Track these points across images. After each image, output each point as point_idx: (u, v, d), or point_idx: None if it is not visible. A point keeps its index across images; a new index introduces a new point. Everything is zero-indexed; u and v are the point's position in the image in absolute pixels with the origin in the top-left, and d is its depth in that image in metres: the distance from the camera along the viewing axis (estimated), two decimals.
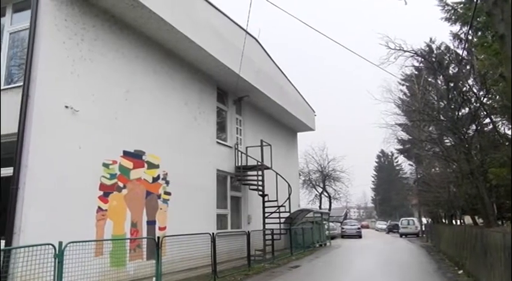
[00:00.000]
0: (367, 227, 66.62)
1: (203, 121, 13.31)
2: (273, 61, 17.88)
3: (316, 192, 46.75)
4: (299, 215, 20.09)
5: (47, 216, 7.51)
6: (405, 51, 13.86)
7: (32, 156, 7.38)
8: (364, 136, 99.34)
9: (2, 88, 8.35)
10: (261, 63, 16.23)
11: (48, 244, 6.40)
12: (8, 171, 7.57)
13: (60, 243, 6.46)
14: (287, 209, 15.48)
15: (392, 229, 46.24)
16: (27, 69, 7.73)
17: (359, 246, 25.54)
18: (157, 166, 10.73)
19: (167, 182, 11.07)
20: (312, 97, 25.35)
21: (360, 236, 35.79)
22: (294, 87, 20.58)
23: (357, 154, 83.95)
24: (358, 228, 37.73)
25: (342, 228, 37.82)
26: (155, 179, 10.65)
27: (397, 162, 78.62)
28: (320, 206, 44.80)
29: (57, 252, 6.40)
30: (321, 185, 45.94)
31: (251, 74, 14.85)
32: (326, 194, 46.27)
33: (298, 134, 24.03)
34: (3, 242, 7.06)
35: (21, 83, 7.80)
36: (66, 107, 8.22)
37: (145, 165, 10.33)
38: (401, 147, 33.63)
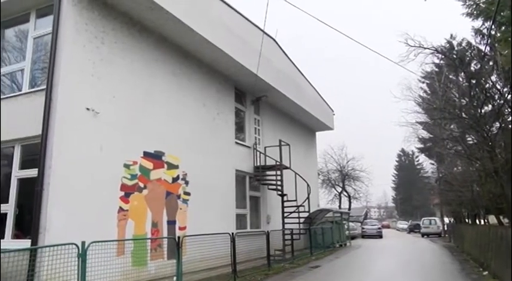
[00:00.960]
0: (387, 227, 65.77)
1: (222, 122, 13.37)
2: (290, 60, 17.83)
3: (336, 192, 46.48)
4: (318, 215, 19.98)
5: (71, 216, 7.67)
6: (425, 48, 13.65)
7: (55, 157, 7.55)
8: (383, 135, 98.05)
9: (25, 91, 8.59)
10: (278, 63, 16.21)
11: (72, 244, 6.54)
12: (32, 172, 7.77)
13: (83, 243, 6.59)
14: (306, 209, 15.42)
15: (413, 229, 45.54)
16: (50, 73, 7.91)
17: (380, 246, 25.24)
18: (176, 167, 10.83)
19: (187, 183, 11.16)
20: (331, 96, 25.20)
21: (380, 236, 35.37)
22: (312, 86, 20.48)
23: (376, 153, 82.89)
24: (379, 228, 37.28)
25: (362, 228, 37.43)
26: (175, 180, 10.75)
27: (418, 161, 77.54)
28: (340, 206, 44.49)
29: (80, 251, 6.52)
30: (340, 185, 45.64)
31: (269, 74, 14.84)
32: (345, 194, 45.95)
33: (317, 133, 23.90)
34: (29, 241, 7.25)
35: (44, 87, 7.99)
36: (88, 109, 8.37)
37: (165, 165, 10.44)
38: (422, 146, 33.09)
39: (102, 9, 9.04)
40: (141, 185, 9.58)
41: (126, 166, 9.20)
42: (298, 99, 17.79)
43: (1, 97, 8.79)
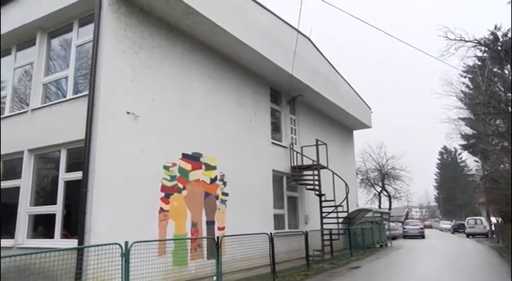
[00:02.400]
0: (430, 227, 63.75)
1: (258, 122, 13.42)
2: (325, 59, 17.65)
3: (375, 191, 45.54)
4: (358, 215, 19.65)
5: (114, 217, 7.93)
6: (467, 41, 13.14)
7: (98, 160, 7.83)
8: (424, 132, 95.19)
9: (69, 98, 8.96)
10: (313, 62, 16.08)
11: (115, 244, 6.75)
12: (77, 175, 8.10)
13: (126, 243, 6.79)
14: (345, 209, 15.21)
15: (457, 229, 43.89)
16: (91, 79, 8.22)
17: (422, 247, 24.50)
18: (214, 168, 10.97)
19: (224, 183, 11.28)
20: (368, 94, 24.73)
21: (422, 237, 34.34)
22: (349, 84, 20.18)
23: (417, 151, 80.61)
24: (421, 228, 36.17)
25: (404, 228, 36.46)
26: (213, 181, 10.90)
27: (461, 158, 74.82)
28: (379, 206, 43.58)
29: (123, 251, 6.73)
30: (380, 184, 44.67)
31: (304, 73, 14.76)
32: (385, 193, 44.93)
33: (354, 132, 23.52)
34: (76, 241, 7.56)
35: (87, 92, 8.31)
36: (128, 113, 8.63)
37: (203, 167, 10.60)
38: (465, 142, 31.93)
39: (140, 15, 9.30)
40: (181, 186, 9.77)
41: (166, 168, 9.42)
42: (334, 97, 17.58)
43: (39, 106, 9.33)
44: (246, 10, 11.89)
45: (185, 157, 10.05)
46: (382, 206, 44.12)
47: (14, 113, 10.11)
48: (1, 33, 10.29)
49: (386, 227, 26.26)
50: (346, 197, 15.07)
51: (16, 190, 9.25)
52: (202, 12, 9.72)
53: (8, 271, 6.89)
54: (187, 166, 10.08)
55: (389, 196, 44.83)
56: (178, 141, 9.91)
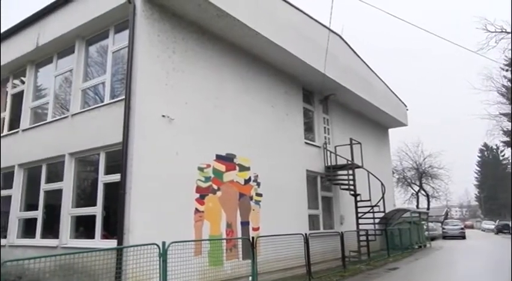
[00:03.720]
0: (471, 227, 61.41)
1: (290, 122, 13.38)
2: (358, 56, 17.38)
3: (413, 190, 44.42)
4: (395, 215, 19.22)
5: (151, 218, 8.12)
6: (508, 32, 12.57)
7: (135, 163, 8.04)
8: (463, 129, 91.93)
9: (107, 102, 9.25)
10: (346, 60, 15.87)
11: (153, 244, 6.90)
12: (116, 177, 8.35)
13: (164, 243, 6.92)
14: (381, 209, 14.90)
15: (502, 230, 42.00)
16: (127, 84, 8.45)
17: (463, 248, 23.64)
18: (248, 168, 11.03)
19: (258, 184, 11.31)
20: (403, 91, 24.10)
21: (463, 237, 33.12)
22: (383, 81, 19.77)
23: (456, 148, 77.90)
24: (462, 228, 34.89)
25: (443, 228, 35.30)
26: (247, 181, 10.95)
27: (503, 156, 71.76)
28: (417, 206, 42.47)
29: (161, 251, 6.86)
30: (417, 183, 43.49)
31: (336, 72, 14.59)
32: (423, 193, 43.71)
33: (390, 130, 23.03)
34: (115, 241, 7.79)
35: (123, 97, 8.55)
36: (163, 116, 8.82)
37: (237, 168, 10.67)
38: (507, 139, 30.53)
39: (172, 20, 9.48)
40: (215, 187, 9.88)
41: (200, 169, 9.55)
42: (368, 95, 17.28)
43: (79, 111, 9.74)
44: (276, 10, 11.89)
45: (219, 158, 10.15)
46: (420, 206, 42.97)
47: (55, 118, 10.54)
48: (40, 44, 10.83)
49: (425, 227, 25.51)
50: (383, 197, 14.77)
51: (59, 192, 9.64)
52: (233, 15, 9.81)
53: (54, 269, 7.18)
54: (221, 167, 10.18)
55: (427, 196, 43.59)
56: (212, 142, 10.04)
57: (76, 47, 10.37)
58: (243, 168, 10.87)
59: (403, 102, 22.26)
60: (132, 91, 8.41)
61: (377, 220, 15.30)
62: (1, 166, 11.69)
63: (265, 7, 11.31)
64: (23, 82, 12.25)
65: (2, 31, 12.30)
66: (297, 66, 13.06)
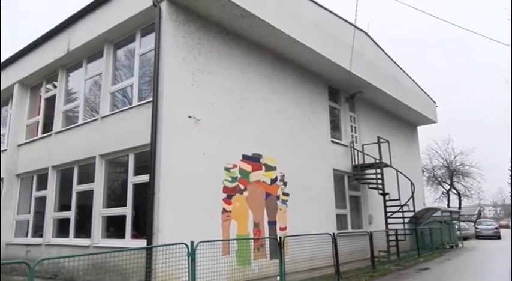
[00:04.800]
0: (506, 226, 59.29)
1: (316, 121, 13.30)
2: (385, 53, 17.08)
3: (443, 189, 43.27)
4: (425, 214, 18.80)
5: (180, 217, 8.23)
6: None
7: (164, 164, 8.17)
8: (496, 126, 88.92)
9: (135, 105, 9.43)
10: (372, 57, 15.64)
11: (182, 244, 6.99)
12: (145, 178, 8.52)
13: (192, 242, 7.00)
14: (411, 208, 14.62)
15: None
16: (154, 86, 8.59)
17: (498, 248, 22.87)
18: (274, 168, 11.02)
19: (285, 184, 11.29)
20: (432, 88, 23.57)
21: (498, 237, 32.04)
22: (411, 78, 19.36)
23: (488, 145, 75.48)
24: (496, 228, 33.74)
25: (476, 228, 34.28)
26: (273, 181, 10.95)
27: None
28: (448, 205, 41.37)
29: (189, 251, 6.94)
30: (448, 182, 42.35)
31: (362, 69, 14.39)
32: (454, 191, 42.53)
33: (419, 127, 22.54)
34: (145, 241, 7.94)
35: (151, 99, 8.70)
36: (190, 117, 8.92)
37: (263, 167, 10.69)
38: None
39: (197, 22, 9.58)
40: (242, 187, 9.93)
41: (227, 169, 9.61)
42: (395, 92, 16.97)
43: (108, 114, 9.97)
44: (301, 9, 11.83)
45: (245, 158, 10.19)
46: (451, 204, 41.86)
47: (86, 121, 10.83)
48: (70, 49, 11.19)
49: (457, 227, 24.84)
50: (412, 196, 14.48)
51: (90, 192, 9.91)
52: (257, 14, 9.82)
53: (87, 268, 7.38)
54: (248, 167, 10.22)
55: (458, 194, 42.41)
56: (238, 142, 10.08)
57: (104, 51, 10.63)
58: (269, 168, 10.87)
59: (432, 99, 21.75)
60: (159, 93, 8.55)
61: (406, 220, 15.00)
62: (35, 168, 12.13)
63: (289, 6, 11.27)
64: (55, 86, 12.66)
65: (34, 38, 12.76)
66: (322, 65, 12.96)
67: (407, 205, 14.40)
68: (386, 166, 14.66)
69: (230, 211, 9.44)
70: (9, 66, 14.23)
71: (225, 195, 9.41)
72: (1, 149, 13.93)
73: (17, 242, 12.06)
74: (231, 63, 10.33)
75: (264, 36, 10.81)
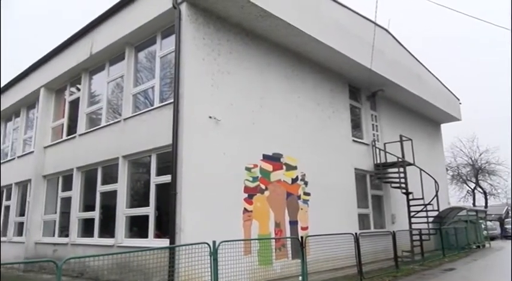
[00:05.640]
0: None
1: (337, 120, 13.19)
2: (406, 50, 16.80)
3: (468, 188, 42.27)
4: (449, 213, 18.41)
5: (201, 217, 8.29)
6: None
7: (185, 164, 8.25)
8: None
9: (156, 106, 9.56)
10: (393, 54, 15.41)
11: (204, 243, 7.04)
12: (167, 178, 8.62)
13: (214, 242, 7.03)
14: (435, 208, 14.34)
15: None
16: (175, 87, 8.69)
17: None
18: (295, 168, 10.99)
19: (306, 183, 11.25)
20: (455, 84, 23.00)
21: None
22: (433, 75, 19.00)
23: None
24: None
25: (504, 228, 33.38)
26: (294, 181, 10.92)
27: None
28: (474, 204, 40.39)
29: (211, 250, 6.98)
30: (473, 180, 41.36)
31: (384, 67, 14.20)
32: (480, 190, 41.51)
33: (442, 125, 22.10)
34: (168, 240, 8.03)
35: (172, 100, 8.80)
36: (210, 117, 8.98)
37: (284, 167, 10.66)
38: None
39: (217, 23, 9.64)
40: (263, 186, 9.93)
41: (248, 169, 9.63)
42: (418, 90, 16.67)
43: (130, 115, 10.05)
44: (320, 7, 11.76)
45: (266, 158, 10.19)
46: (476, 203, 40.85)
47: (108, 123, 11.03)
48: (93, 53, 11.43)
49: (483, 226, 24.24)
50: (436, 195, 14.21)
51: (114, 193, 10.09)
52: (276, 14, 9.80)
53: (112, 267, 7.51)
54: (269, 167, 10.22)
55: (484, 193, 41.36)
56: (258, 142, 10.09)
57: (126, 54, 10.81)
58: (290, 167, 10.84)
59: (455, 96, 21.29)
60: (180, 94, 8.63)
61: (430, 219, 14.72)
62: (61, 169, 12.43)
63: (308, 5, 11.21)
64: (78, 89, 12.95)
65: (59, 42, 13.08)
66: (342, 63, 12.85)
67: (431, 204, 14.13)
68: (410, 164, 14.43)
69: (251, 211, 9.46)
70: (35, 71, 14.67)
71: (246, 195, 9.43)
72: (28, 151, 14.35)
73: (45, 242, 12.39)
74: (250, 64, 10.35)
75: (284, 35, 10.79)
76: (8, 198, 15.44)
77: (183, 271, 7.31)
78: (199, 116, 8.80)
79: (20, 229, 14.22)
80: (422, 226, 14.28)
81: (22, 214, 14.23)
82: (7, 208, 15.34)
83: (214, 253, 6.96)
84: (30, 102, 15.52)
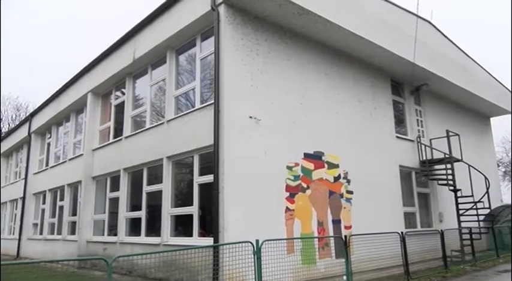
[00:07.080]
0: None
1: (379, 116, 12.88)
2: (451, 42, 16.12)
3: None
4: (502, 211, 17.49)
5: (244, 216, 8.36)
6: None
7: (227, 164, 8.35)
8: None
9: (198, 107, 9.73)
10: (437, 47, 14.84)
11: (247, 242, 7.09)
12: (209, 178, 8.76)
13: (257, 241, 7.07)
14: (486, 205, 13.69)
15: None
16: (215, 88, 8.81)
17: None
18: (337, 166, 10.84)
19: (348, 181, 11.07)
20: (508, 75, 21.84)
21: None
22: (481, 66, 18.11)
23: None
24: None
25: None
26: (336, 179, 10.77)
27: None
28: None
29: (255, 249, 7.02)
30: None
31: (427, 60, 13.71)
32: None
33: (492, 119, 21.04)
34: (211, 239, 8.16)
35: (212, 101, 8.93)
36: (250, 117, 9.03)
37: (326, 165, 10.55)
38: None
39: (254, 23, 9.68)
40: (304, 185, 9.88)
41: (289, 168, 9.61)
42: (465, 83, 15.96)
43: (173, 117, 10.33)
44: (359, 1, 11.53)
45: (307, 156, 10.13)
46: None
47: (152, 125, 11.36)
48: (136, 57, 11.80)
49: None
50: (487, 192, 13.54)
51: (159, 193, 10.38)
52: (315, 11, 9.71)
53: (158, 265, 7.75)
54: (310, 165, 10.15)
55: None
56: (299, 141, 10.04)
57: (167, 58, 11.08)
58: (331, 165, 10.71)
59: (506, 87, 20.20)
60: (220, 95, 8.74)
61: (481, 217, 14.06)
62: (108, 171, 12.93)
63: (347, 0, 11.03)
64: (123, 93, 13.41)
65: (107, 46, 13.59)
66: (383, 58, 12.54)
67: (482, 202, 13.49)
68: (457, 160, 13.86)
69: (293, 210, 9.43)
70: (82, 77, 15.35)
71: (287, 194, 9.41)
72: (78, 154, 15.04)
73: (96, 240, 12.95)
74: (289, 62, 10.31)
75: (322, 32, 10.67)
76: (62, 198, 16.26)
77: (227, 270, 7.41)
78: (240, 116, 8.87)
79: (72, 228, 14.94)
80: (472, 224, 13.68)
81: (74, 213, 14.94)
82: (61, 208, 16.16)
83: (257, 252, 6.99)
84: (78, 107, 16.28)
